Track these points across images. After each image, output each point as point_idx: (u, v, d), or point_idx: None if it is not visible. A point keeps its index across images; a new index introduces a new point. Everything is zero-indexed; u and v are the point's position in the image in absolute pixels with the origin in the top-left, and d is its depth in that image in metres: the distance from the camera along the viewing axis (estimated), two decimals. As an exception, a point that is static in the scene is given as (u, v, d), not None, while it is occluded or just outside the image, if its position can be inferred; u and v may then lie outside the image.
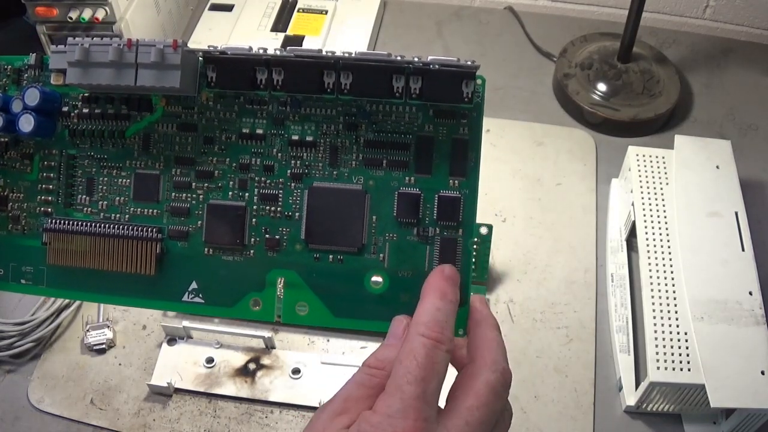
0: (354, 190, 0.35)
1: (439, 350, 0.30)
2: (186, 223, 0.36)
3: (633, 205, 0.67)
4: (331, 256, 0.35)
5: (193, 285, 0.36)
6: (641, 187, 0.67)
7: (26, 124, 0.35)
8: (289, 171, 0.35)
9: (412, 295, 0.34)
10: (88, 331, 0.65)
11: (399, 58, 0.32)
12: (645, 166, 0.69)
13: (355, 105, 0.35)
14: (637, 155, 0.70)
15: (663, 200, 0.66)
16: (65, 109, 0.36)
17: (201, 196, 0.36)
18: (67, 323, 0.67)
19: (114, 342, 0.66)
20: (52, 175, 0.37)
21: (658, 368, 0.56)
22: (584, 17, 0.97)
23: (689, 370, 0.56)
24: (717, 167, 0.68)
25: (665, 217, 0.65)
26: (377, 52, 0.33)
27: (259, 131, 0.35)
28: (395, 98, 0.34)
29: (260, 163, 0.35)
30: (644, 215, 0.66)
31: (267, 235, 0.35)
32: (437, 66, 0.33)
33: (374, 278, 0.35)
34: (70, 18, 0.76)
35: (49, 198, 0.37)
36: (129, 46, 0.33)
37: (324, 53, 0.33)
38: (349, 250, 0.35)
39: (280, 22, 0.90)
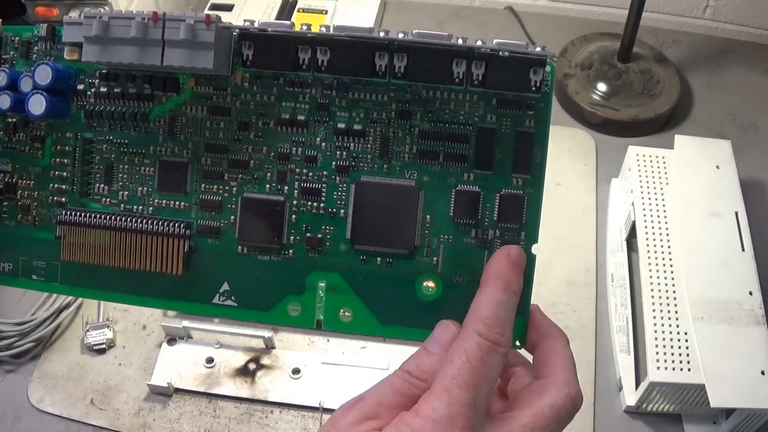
0: (406, 185, 0.31)
1: (496, 353, 0.27)
2: (217, 218, 0.32)
3: (633, 205, 0.67)
4: (379, 259, 0.32)
5: (225, 286, 0.33)
6: (641, 187, 0.68)
7: (37, 105, 0.31)
8: (334, 163, 0.32)
9: (467, 303, 0.30)
10: (88, 331, 0.65)
11: (461, 41, 0.30)
12: (645, 166, 0.69)
13: (409, 91, 0.31)
14: (637, 155, 0.70)
15: (663, 200, 0.66)
16: (80, 87, 0.33)
17: (234, 189, 0.32)
18: (67, 323, 0.67)
19: (114, 342, 0.66)
20: (66, 160, 0.33)
21: (658, 368, 0.57)
22: (584, 17, 0.97)
23: (689, 370, 0.56)
24: (717, 167, 0.68)
25: (665, 217, 0.65)
26: (437, 33, 0.30)
27: (301, 117, 0.32)
28: (455, 85, 0.30)
29: (302, 153, 0.32)
30: (644, 215, 0.66)
31: (308, 234, 0.32)
32: (507, 53, 0.29)
33: (426, 283, 0.32)
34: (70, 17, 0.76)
35: (63, 186, 0.33)
36: (155, 20, 0.29)
37: (376, 32, 0.30)
38: (399, 252, 0.32)
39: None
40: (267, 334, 0.64)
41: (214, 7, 0.93)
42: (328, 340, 0.66)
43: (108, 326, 0.66)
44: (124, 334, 0.67)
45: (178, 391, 0.63)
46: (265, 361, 0.64)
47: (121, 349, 0.66)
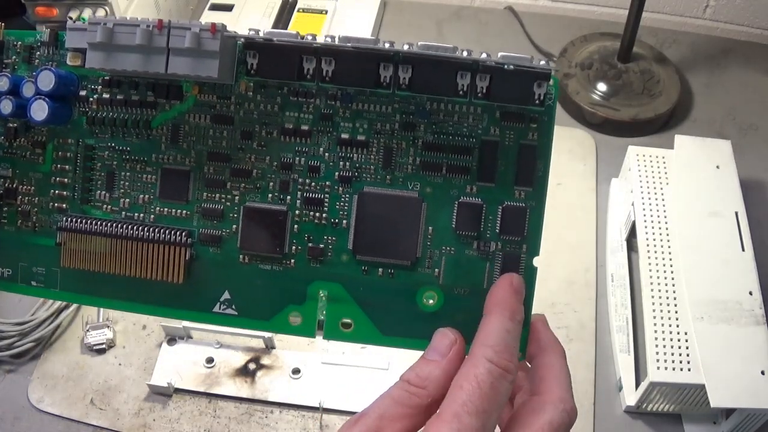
0: (409, 197, 0.31)
1: (505, 380, 0.28)
2: (219, 226, 0.32)
3: (633, 205, 0.67)
4: (380, 269, 0.32)
5: (226, 295, 0.33)
6: (641, 187, 0.68)
7: (39, 111, 0.31)
8: (337, 173, 0.32)
9: (468, 314, 0.31)
10: (88, 331, 0.65)
11: (465, 54, 0.30)
12: (645, 166, 0.69)
13: (413, 102, 0.31)
14: (637, 155, 0.70)
15: (663, 200, 0.66)
16: (83, 93, 0.33)
17: (237, 198, 0.32)
18: (67, 323, 0.67)
19: (114, 342, 0.66)
20: (67, 167, 0.33)
21: (658, 368, 0.57)
22: (584, 17, 0.97)
23: (689, 370, 0.56)
24: (717, 167, 0.68)
25: (665, 217, 0.65)
26: (441, 45, 0.30)
27: (305, 127, 0.32)
28: (459, 97, 0.30)
29: (305, 163, 0.32)
30: (644, 215, 0.66)
31: (310, 244, 0.32)
32: (511, 66, 0.30)
33: (428, 295, 0.32)
34: (70, 18, 0.76)
35: (64, 193, 0.33)
36: (159, 28, 0.29)
37: (381, 44, 0.30)
38: (401, 264, 0.32)
39: (280, 22, 0.90)
40: (267, 334, 0.64)
41: (214, 7, 0.93)
42: (328, 340, 0.66)
43: (108, 326, 0.66)
44: (124, 334, 0.67)
45: (178, 391, 0.63)
46: (265, 361, 0.64)
47: (121, 349, 0.66)
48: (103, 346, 0.65)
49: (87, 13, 0.76)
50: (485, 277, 0.32)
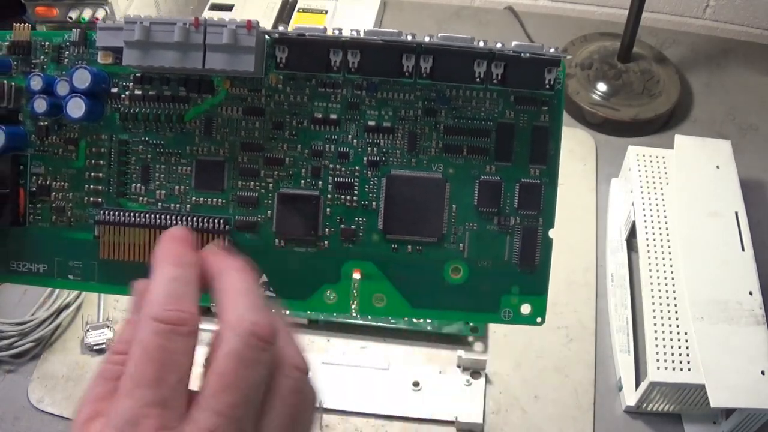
0: (434, 178, 0.34)
1: (178, 335, 0.24)
2: (254, 213, 0.34)
3: (633, 205, 0.68)
4: (409, 247, 0.34)
5: (264, 278, 0.34)
6: (641, 187, 0.68)
7: (76, 109, 0.32)
8: (365, 158, 0.34)
9: (491, 284, 0.34)
10: (88, 331, 0.66)
11: (482, 44, 0.32)
12: (645, 166, 0.69)
13: (434, 90, 0.34)
14: (637, 155, 0.70)
15: (663, 200, 0.67)
16: (114, 90, 0.34)
17: (271, 185, 0.34)
18: (67, 323, 0.67)
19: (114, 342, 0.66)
20: (101, 162, 0.34)
21: (658, 368, 0.57)
22: (584, 17, 0.97)
23: (689, 370, 0.57)
24: (717, 167, 0.68)
25: (665, 217, 0.66)
26: (460, 36, 0.32)
27: (333, 116, 0.34)
28: (476, 84, 0.33)
29: (334, 150, 0.34)
30: (644, 215, 0.66)
31: (342, 226, 0.34)
32: (527, 54, 0.32)
33: (454, 268, 0.34)
34: (70, 18, 0.76)
35: (99, 187, 0.34)
36: (196, 25, 0.31)
37: (404, 36, 0.32)
38: (428, 240, 0.34)
39: (280, 22, 0.90)
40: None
41: (214, 6, 0.93)
42: (328, 340, 0.66)
43: (108, 326, 0.66)
44: (124, 334, 0.67)
45: (178, 391, 0.63)
46: (265, 361, 0.64)
47: (121, 349, 0.66)
48: (103, 346, 0.65)
49: (87, 13, 0.76)
50: (506, 249, 0.34)
